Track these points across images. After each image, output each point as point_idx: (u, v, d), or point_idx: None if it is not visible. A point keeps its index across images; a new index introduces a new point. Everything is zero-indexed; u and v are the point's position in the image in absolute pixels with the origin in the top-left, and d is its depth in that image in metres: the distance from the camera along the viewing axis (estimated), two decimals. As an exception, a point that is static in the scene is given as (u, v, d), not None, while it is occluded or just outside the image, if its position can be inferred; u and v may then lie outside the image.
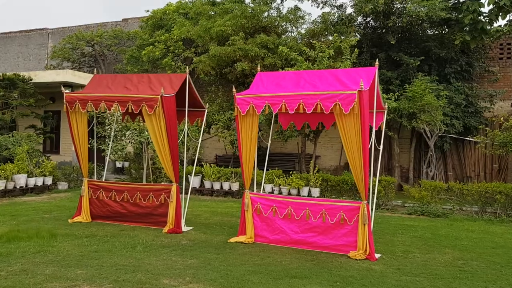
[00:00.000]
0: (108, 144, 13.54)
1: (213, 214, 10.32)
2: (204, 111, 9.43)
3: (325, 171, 16.55)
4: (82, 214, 9.01)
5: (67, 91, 8.70)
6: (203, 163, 14.33)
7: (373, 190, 7.52)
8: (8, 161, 13.11)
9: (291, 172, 12.91)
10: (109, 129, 13.84)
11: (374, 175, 7.94)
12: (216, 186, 13.45)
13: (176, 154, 8.21)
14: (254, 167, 7.70)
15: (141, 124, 13.72)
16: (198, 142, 9.31)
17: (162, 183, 13.68)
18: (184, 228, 8.44)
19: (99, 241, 7.39)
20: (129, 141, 14.23)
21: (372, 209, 7.27)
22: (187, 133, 8.73)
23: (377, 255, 6.83)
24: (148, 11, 20.32)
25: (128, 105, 8.03)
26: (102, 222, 8.87)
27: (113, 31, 22.92)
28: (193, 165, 14.91)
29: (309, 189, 12.37)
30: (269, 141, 8.66)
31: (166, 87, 8.25)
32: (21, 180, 12.58)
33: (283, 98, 6.89)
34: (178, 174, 8.33)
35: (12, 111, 14.98)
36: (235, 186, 13.19)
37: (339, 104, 6.46)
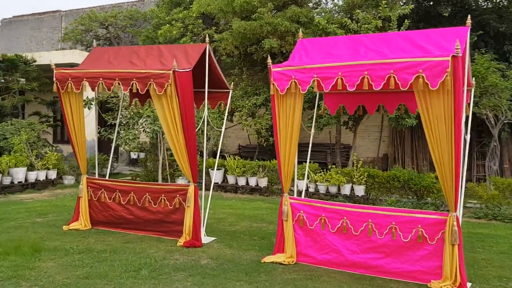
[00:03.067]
0: (119, 134, 11.91)
1: (239, 218, 8.53)
2: (228, 92, 7.60)
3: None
4: (80, 219, 7.32)
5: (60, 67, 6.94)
6: (225, 155, 12.55)
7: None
8: (6, 153, 11.56)
9: (330, 167, 11.01)
10: (121, 116, 12.19)
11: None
12: (241, 181, 11.66)
13: (193, 147, 6.43)
14: (295, 164, 5.84)
15: (155, 110, 12.00)
16: (221, 131, 7.52)
17: (179, 180, 11.98)
18: (204, 239, 6.68)
19: (94, 260, 5.68)
20: (143, 130, 12.56)
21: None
22: (208, 119, 6.92)
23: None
24: (165, -14, 18.48)
25: (132, 83, 6.24)
26: (104, 230, 7.17)
27: (128, 12, 21.24)
28: (214, 158, 13.17)
29: (352, 186, 10.48)
30: (312, 130, 6.77)
31: (181, 60, 6.44)
32: (19, 174, 11.00)
33: (339, 70, 5.00)
34: (196, 172, 6.55)
35: (14, 97, 13.41)
36: (263, 182, 11.38)
37: (422, 76, 4.54)
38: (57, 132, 18.56)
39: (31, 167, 11.48)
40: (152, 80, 6.13)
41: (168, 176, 12.57)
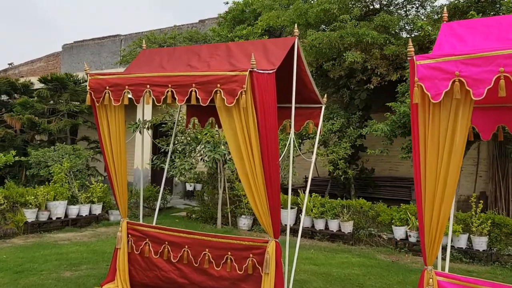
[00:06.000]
0: (173, 162, 10.16)
1: (327, 281, 6.30)
2: (321, 108, 5.56)
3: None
4: (116, 279, 5.40)
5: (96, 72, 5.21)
6: (299, 191, 10.42)
7: None
8: (46, 183, 10.08)
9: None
10: (175, 142, 10.48)
11: None
12: (319, 225, 9.42)
13: (275, 184, 4.36)
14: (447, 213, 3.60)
15: (216, 135, 10.18)
16: (311, 160, 5.45)
17: (241, 220, 9.93)
18: (289, 321, 4.53)
19: None
20: (201, 158, 10.76)
21: None
22: (295, 144, 4.85)
23: None
24: (227, 3, 17.08)
25: (191, 91, 4.30)
26: (147, 296, 5.21)
27: (188, 33, 20.07)
28: (292, 194, 11.08)
29: (469, 237, 7.98)
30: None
31: (259, 59, 4.47)
32: (58, 208, 9.39)
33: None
34: (279, 222, 4.48)
35: (61, 119, 12.07)
36: (348, 227, 9.08)
37: None
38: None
39: (73, 200, 9.88)
40: (219, 85, 4.17)
41: (229, 213, 10.61)
